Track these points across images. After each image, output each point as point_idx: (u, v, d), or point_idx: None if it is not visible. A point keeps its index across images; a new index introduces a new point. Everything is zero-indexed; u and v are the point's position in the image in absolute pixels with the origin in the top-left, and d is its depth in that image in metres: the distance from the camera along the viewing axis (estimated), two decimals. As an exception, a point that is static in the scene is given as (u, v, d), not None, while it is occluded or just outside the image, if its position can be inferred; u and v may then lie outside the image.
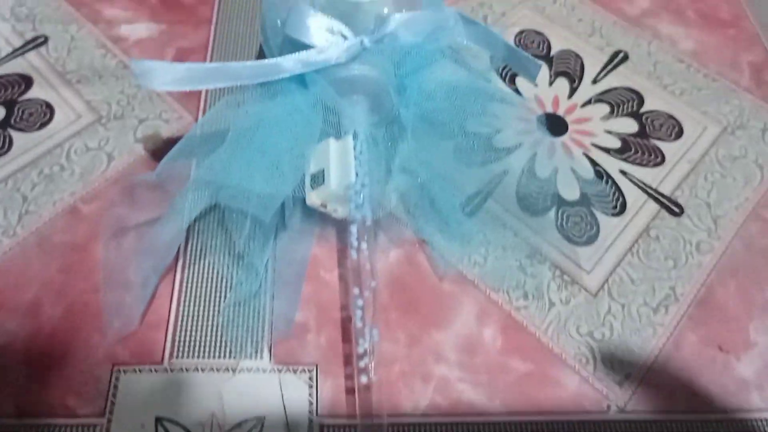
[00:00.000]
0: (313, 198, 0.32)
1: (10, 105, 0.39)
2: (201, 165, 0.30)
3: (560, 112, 0.41)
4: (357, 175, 0.32)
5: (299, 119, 0.33)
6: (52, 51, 0.42)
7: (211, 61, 0.42)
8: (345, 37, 0.33)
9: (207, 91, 0.40)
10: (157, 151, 0.37)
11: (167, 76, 0.30)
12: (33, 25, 0.43)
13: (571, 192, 0.37)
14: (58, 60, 0.41)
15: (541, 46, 0.44)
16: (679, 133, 0.40)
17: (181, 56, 0.42)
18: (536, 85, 0.41)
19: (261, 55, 0.37)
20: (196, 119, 0.39)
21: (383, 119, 0.34)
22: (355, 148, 0.32)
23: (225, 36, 0.43)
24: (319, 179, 0.32)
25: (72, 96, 0.40)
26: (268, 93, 0.32)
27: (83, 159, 0.37)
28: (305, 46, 0.33)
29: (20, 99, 0.39)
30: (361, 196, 0.32)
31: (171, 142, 0.33)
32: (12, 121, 0.38)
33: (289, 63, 0.32)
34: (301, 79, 0.33)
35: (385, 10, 0.34)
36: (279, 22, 0.35)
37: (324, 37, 0.33)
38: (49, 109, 0.39)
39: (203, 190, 0.31)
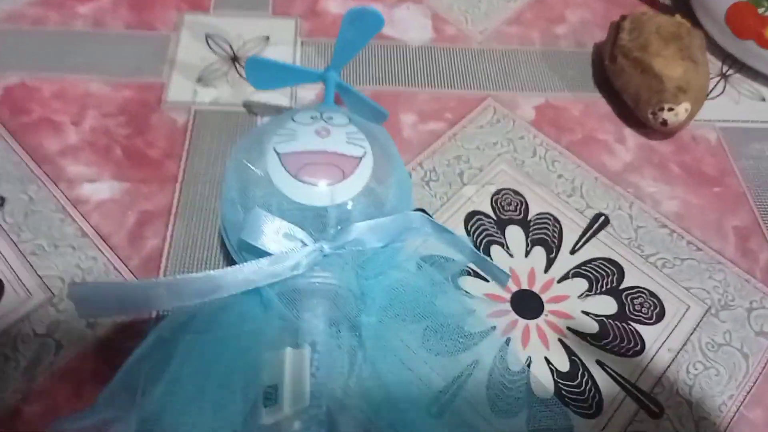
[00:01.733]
0: (265, 418, 0.30)
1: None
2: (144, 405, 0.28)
3: (536, 288, 0.39)
4: (313, 396, 0.30)
5: (251, 330, 0.31)
6: (8, 215, 0.41)
7: (173, 228, 0.40)
8: (304, 243, 0.31)
9: (166, 265, 0.39)
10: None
11: (107, 302, 0.28)
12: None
13: (544, 389, 0.36)
14: (13, 227, 0.40)
15: (518, 208, 0.43)
16: (661, 315, 0.39)
17: (143, 221, 0.41)
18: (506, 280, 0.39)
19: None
20: (154, 297, 0.38)
21: (343, 326, 0.32)
22: (312, 364, 0.31)
23: (190, 197, 0.42)
24: (272, 396, 0.31)
25: (24, 270, 0.38)
26: (218, 304, 0.31)
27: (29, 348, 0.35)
28: (262, 252, 0.31)
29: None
30: (315, 419, 0.30)
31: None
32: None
33: (241, 276, 0.30)
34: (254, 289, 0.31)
35: (349, 206, 0.33)
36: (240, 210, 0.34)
37: (281, 243, 0.31)
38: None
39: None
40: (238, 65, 0.50)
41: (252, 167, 0.32)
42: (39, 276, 0.38)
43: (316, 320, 0.32)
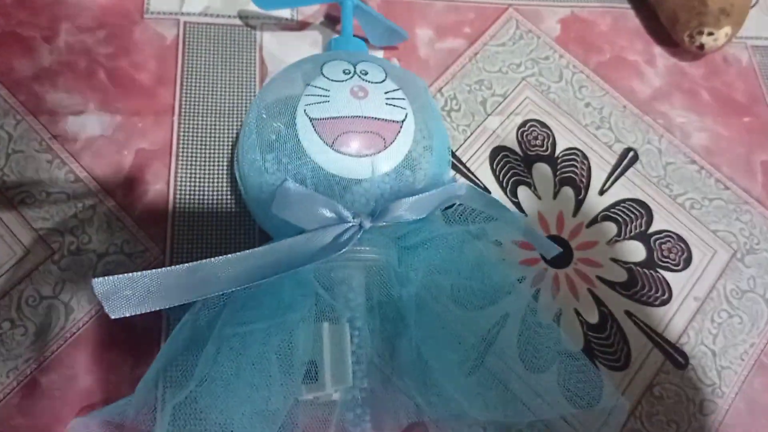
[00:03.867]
0: (306, 394, 0.30)
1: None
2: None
3: (564, 234, 0.39)
4: (355, 375, 0.30)
5: (287, 308, 0.30)
6: (-13, 156, 0.37)
7: (176, 169, 0.38)
8: (342, 219, 0.29)
9: (173, 220, 0.36)
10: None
11: (139, 296, 0.27)
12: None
13: (575, 341, 0.36)
14: (-5, 170, 0.37)
15: (545, 143, 0.41)
16: (688, 261, 0.39)
17: (142, 162, 0.38)
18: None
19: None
20: (164, 251, 0.36)
21: (382, 302, 0.31)
22: (352, 341, 0.30)
23: (191, 132, 0.39)
24: (311, 373, 0.30)
25: (17, 224, 0.36)
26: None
27: (37, 312, 0.34)
28: (293, 229, 0.30)
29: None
30: (359, 408, 0.30)
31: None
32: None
33: (278, 257, 0.29)
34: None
35: (391, 176, 0.31)
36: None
37: (317, 219, 0.29)
38: (-9, 240, 0.35)
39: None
40: (228, -35, 0.44)
41: (282, 130, 0.30)
42: (35, 230, 0.36)
43: (353, 294, 0.31)
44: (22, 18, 0.41)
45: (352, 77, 0.31)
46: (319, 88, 0.30)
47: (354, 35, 0.38)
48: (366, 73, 0.31)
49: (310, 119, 0.30)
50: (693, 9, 0.42)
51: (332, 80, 0.31)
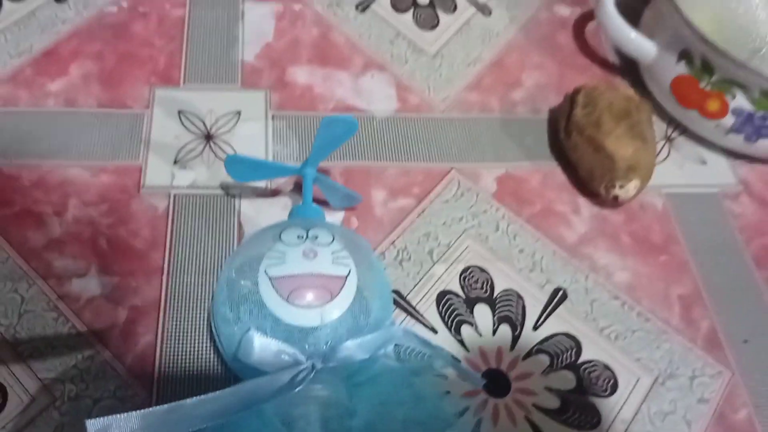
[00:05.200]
0: None
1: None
2: None
3: (503, 367, 0.45)
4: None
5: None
6: (2, 317, 0.44)
7: (164, 322, 0.44)
8: (297, 362, 0.36)
9: (160, 367, 0.43)
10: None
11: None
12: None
13: (513, 467, 0.41)
14: (9, 328, 0.43)
15: (484, 286, 0.48)
16: (614, 387, 0.45)
17: (134, 317, 0.44)
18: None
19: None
20: (151, 394, 0.42)
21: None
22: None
23: (177, 289, 0.46)
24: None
25: (25, 375, 0.42)
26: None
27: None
28: (257, 371, 0.36)
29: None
30: None
31: None
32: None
33: (242, 396, 0.35)
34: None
35: (337, 323, 0.37)
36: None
37: (276, 362, 0.36)
38: (1, 390, 0.41)
39: None
40: (212, 144, 0.53)
41: (247, 286, 0.37)
42: (40, 379, 0.42)
43: (311, 427, 0.36)
44: (38, 197, 0.49)
45: (304, 241, 0.38)
46: (278, 251, 0.38)
47: (317, 201, 0.46)
48: (317, 237, 0.39)
49: (269, 278, 0.37)
50: (605, 166, 0.51)
51: (288, 244, 0.38)
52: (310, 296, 0.37)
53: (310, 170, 0.46)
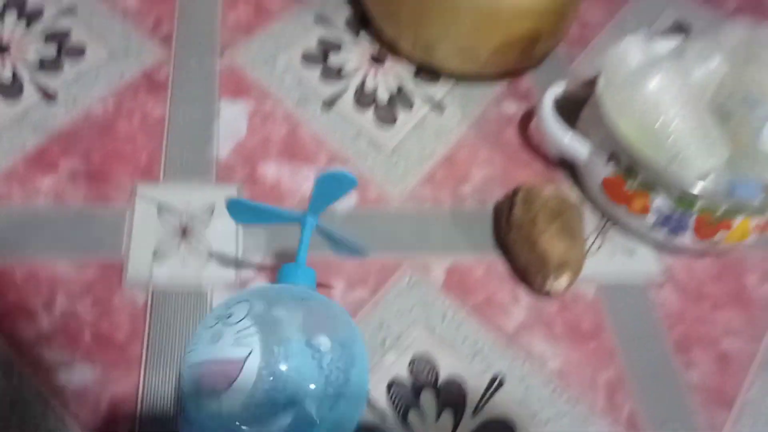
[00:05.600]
0: None
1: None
2: None
3: (444, 451, 0.51)
4: None
5: None
6: (-5, 408, 0.49)
7: (141, 411, 0.50)
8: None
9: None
10: None
11: None
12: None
13: None
14: (2, 420, 0.49)
15: (430, 374, 0.54)
16: (543, 469, 0.51)
17: (115, 403, 0.50)
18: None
19: None
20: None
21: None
22: None
23: (153, 381, 0.51)
24: None
25: (15, 463, 0.47)
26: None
27: None
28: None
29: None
30: None
31: None
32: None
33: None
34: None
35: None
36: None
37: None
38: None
39: None
40: (187, 240, 0.59)
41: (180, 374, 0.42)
42: (26, 467, 0.47)
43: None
44: (29, 292, 0.55)
45: (216, 324, 0.42)
46: (195, 336, 0.42)
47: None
48: (230, 316, 0.42)
49: (188, 367, 0.41)
50: (538, 263, 0.57)
51: (204, 327, 0.42)
52: (211, 382, 0.40)
53: (310, 219, 0.50)
